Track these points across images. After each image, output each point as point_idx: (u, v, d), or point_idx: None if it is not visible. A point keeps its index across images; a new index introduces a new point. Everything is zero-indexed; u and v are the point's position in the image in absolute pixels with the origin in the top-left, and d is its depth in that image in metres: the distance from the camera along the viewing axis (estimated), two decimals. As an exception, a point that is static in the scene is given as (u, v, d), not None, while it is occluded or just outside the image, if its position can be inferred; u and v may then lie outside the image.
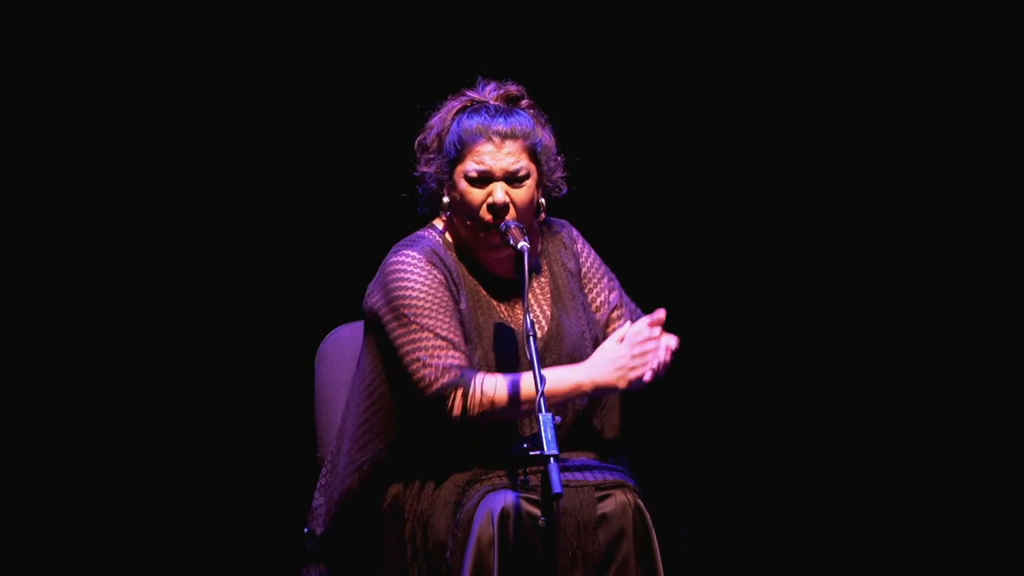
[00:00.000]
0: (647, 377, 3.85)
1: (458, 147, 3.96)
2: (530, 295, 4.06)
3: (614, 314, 4.12)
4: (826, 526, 5.61)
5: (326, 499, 4.05)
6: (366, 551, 3.95)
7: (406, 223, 4.13)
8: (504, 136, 3.95)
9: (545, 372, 3.82)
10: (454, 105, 4.02)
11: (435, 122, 4.03)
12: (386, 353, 3.94)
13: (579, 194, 4.10)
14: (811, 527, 5.61)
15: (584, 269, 4.16)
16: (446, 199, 4.01)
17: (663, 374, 3.88)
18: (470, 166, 3.96)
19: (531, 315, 3.89)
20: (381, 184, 5.08)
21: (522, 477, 3.84)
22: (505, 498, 3.78)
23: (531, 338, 3.70)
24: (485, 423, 3.85)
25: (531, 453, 3.62)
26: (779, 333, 5.63)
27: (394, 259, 3.98)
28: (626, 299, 4.17)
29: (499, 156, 3.95)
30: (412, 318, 3.88)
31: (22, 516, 5.29)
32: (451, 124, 3.99)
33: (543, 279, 4.11)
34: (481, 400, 3.82)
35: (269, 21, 5.38)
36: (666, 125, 5.58)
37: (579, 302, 4.09)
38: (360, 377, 4.03)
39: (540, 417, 3.59)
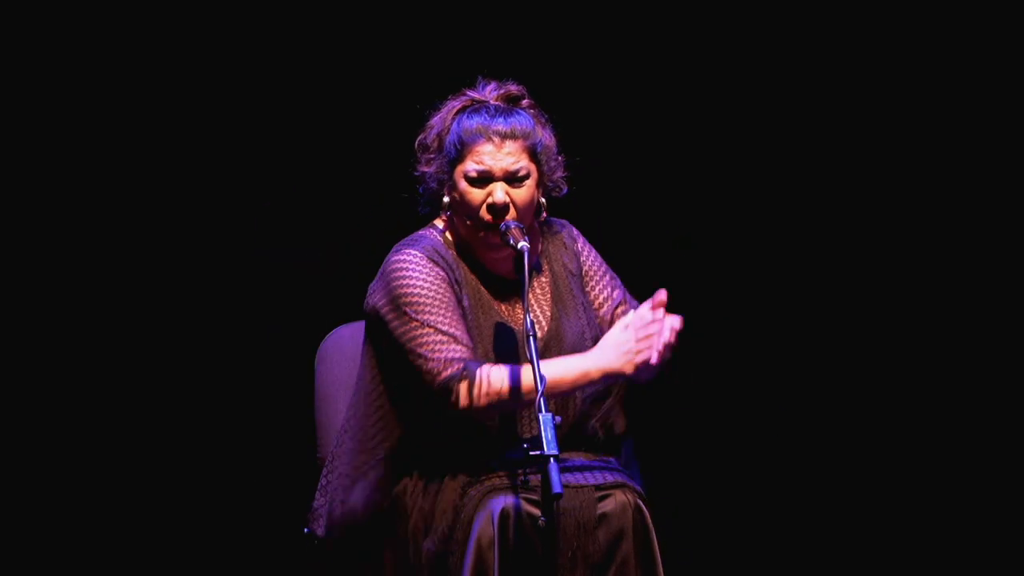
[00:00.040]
0: (653, 359, 3.83)
1: (458, 147, 3.96)
2: (530, 295, 4.06)
3: (618, 310, 4.12)
4: (826, 526, 5.61)
5: (328, 500, 4.04)
6: (368, 552, 3.95)
7: (406, 223, 4.13)
8: (504, 136, 3.95)
9: (552, 361, 3.83)
10: (454, 105, 4.02)
11: (435, 122, 4.03)
12: (389, 352, 3.93)
13: (579, 194, 4.10)
14: (811, 527, 5.61)
15: (585, 268, 4.16)
16: (446, 199, 4.01)
17: (669, 356, 3.87)
18: (470, 166, 3.96)
19: (531, 315, 3.89)
20: (381, 184, 5.08)
21: (522, 477, 3.84)
22: (505, 498, 3.78)
23: (531, 338, 3.70)
24: (491, 414, 3.84)
25: (531, 453, 3.62)
26: (779, 333, 5.63)
27: (395, 258, 3.98)
28: (628, 296, 4.17)
29: (499, 156, 3.95)
30: (415, 314, 3.88)
31: (22, 516, 5.29)
32: (451, 124, 3.99)
33: (543, 279, 4.11)
34: (487, 390, 3.81)
35: (269, 21, 5.38)
36: (666, 125, 5.58)
37: (579, 302, 4.09)
38: (362, 378, 4.03)
39: (540, 417, 3.59)
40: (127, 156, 5.33)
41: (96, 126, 5.30)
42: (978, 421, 5.60)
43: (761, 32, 5.57)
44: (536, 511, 3.73)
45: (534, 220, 4.05)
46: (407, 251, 3.97)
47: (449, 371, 3.83)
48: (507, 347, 3.97)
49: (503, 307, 4.03)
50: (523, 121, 3.97)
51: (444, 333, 3.86)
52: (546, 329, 4.04)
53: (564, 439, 3.94)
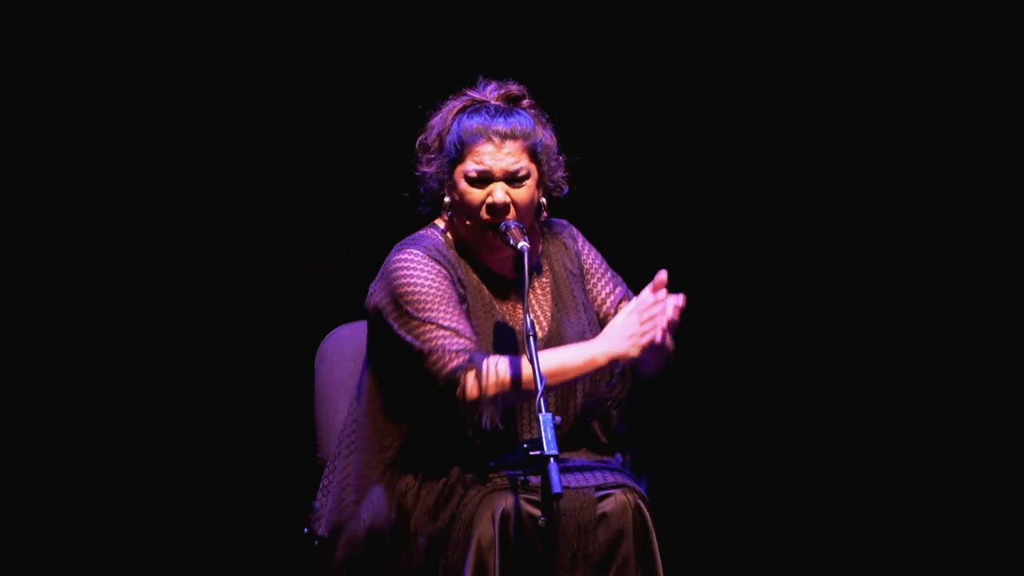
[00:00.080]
0: (658, 338, 3.83)
1: (458, 147, 3.96)
2: (531, 296, 4.06)
3: (620, 306, 4.12)
4: (826, 526, 5.61)
5: (332, 500, 4.03)
6: (371, 552, 3.94)
7: (406, 223, 4.13)
8: (504, 136, 3.95)
9: (557, 349, 3.84)
10: (455, 105, 4.02)
11: (436, 122, 4.03)
12: (392, 352, 3.92)
13: (579, 194, 4.09)
14: (811, 527, 5.61)
15: (586, 266, 4.16)
16: (447, 199, 4.01)
17: (673, 334, 3.86)
18: (470, 166, 3.95)
19: (531, 316, 3.89)
20: (381, 184, 5.09)
21: (522, 478, 3.83)
22: (506, 499, 3.78)
23: (531, 338, 3.70)
24: (498, 405, 3.82)
25: (531, 454, 3.61)
26: (779, 333, 5.63)
27: (397, 257, 3.97)
28: (630, 293, 4.16)
29: (499, 156, 3.94)
30: (417, 312, 3.87)
31: (22, 516, 5.29)
32: (452, 124, 3.99)
33: (544, 280, 4.11)
34: (494, 380, 3.79)
35: (269, 21, 5.38)
36: (667, 125, 5.58)
37: (580, 303, 4.09)
38: (365, 379, 4.03)
39: (540, 417, 3.59)
40: (127, 156, 5.33)
41: (96, 126, 5.30)
42: (978, 421, 5.60)
43: (761, 32, 5.57)
44: (537, 511, 3.73)
45: (534, 220, 4.04)
46: (408, 251, 3.97)
47: (455, 363, 3.81)
48: (508, 347, 3.96)
49: (504, 307, 4.03)
50: (523, 121, 3.97)
51: (447, 328, 3.85)
52: (547, 329, 4.04)
53: (565, 439, 3.94)
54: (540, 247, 4.12)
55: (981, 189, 5.58)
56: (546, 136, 4.00)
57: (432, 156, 4.02)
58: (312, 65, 5.41)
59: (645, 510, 3.85)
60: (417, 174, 4.06)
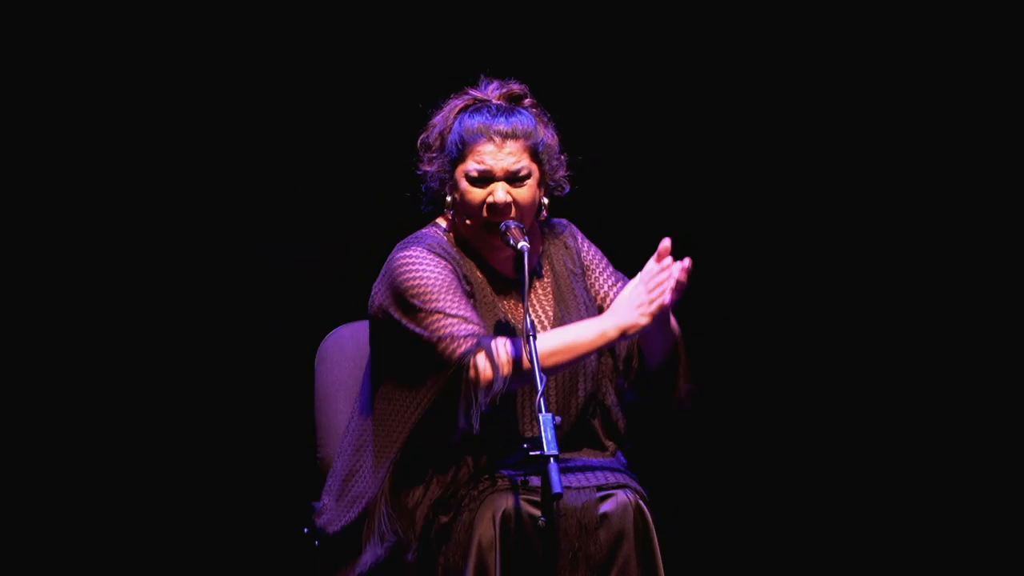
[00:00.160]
0: (667, 300, 3.83)
1: (459, 146, 3.96)
2: (532, 295, 4.06)
3: None
4: (826, 526, 5.61)
5: (336, 500, 4.02)
6: (373, 552, 3.94)
7: (407, 223, 4.13)
8: (505, 136, 3.94)
9: (567, 326, 3.85)
10: (456, 104, 4.02)
11: (438, 121, 4.03)
12: (397, 351, 3.91)
13: (580, 193, 4.09)
14: (811, 528, 5.61)
15: (586, 262, 4.15)
16: (448, 198, 4.01)
17: (680, 296, 3.85)
18: (471, 166, 3.95)
19: (533, 315, 3.88)
20: (381, 184, 5.09)
21: (522, 478, 3.83)
22: (506, 499, 3.78)
23: (531, 338, 3.70)
24: (511, 387, 3.81)
25: (531, 454, 3.61)
26: (780, 333, 5.63)
27: (399, 255, 3.96)
28: None
29: (500, 156, 3.94)
30: (423, 304, 3.86)
31: (22, 516, 5.29)
32: (453, 123, 3.98)
33: (545, 280, 4.11)
34: (505, 360, 3.78)
35: (269, 21, 5.38)
36: (667, 125, 5.57)
37: (581, 301, 4.09)
38: (369, 382, 4.02)
39: (540, 417, 3.58)
40: (127, 157, 5.33)
41: (96, 127, 5.30)
42: (978, 421, 5.60)
43: (761, 32, 5.57)
44: (537, 512, 3.73)
45: (535, 220, 4.04)
46: (411, 248, 3.97)
47: (464, 347, 3.80)
48: (510, 345, 3.96)
49: (506, 305, 4.02)
50: (525, 121, 3.97)
51: (455, 316, 3.84)
52: (548, 329, 4.03)
53: (566, 439, 3.94)
54: (541, 247, 4.12)
55: (981, 189, 5.58)
56: (547, 135, 4.00)
57: (433, 155, 4.02)
58: (312, 65, 5.40)
59: (646, 510, 3.85)
60: (418, 173, 4.06)
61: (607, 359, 4.10)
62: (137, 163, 5.34)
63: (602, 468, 3.95)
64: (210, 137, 5.37)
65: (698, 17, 5.56)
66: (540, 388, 3.61)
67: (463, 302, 3.88)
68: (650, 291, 3.83)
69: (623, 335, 3.85)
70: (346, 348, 4.38)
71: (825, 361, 5.63)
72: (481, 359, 3.79)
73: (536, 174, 3.98)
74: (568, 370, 4.00)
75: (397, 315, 3.89)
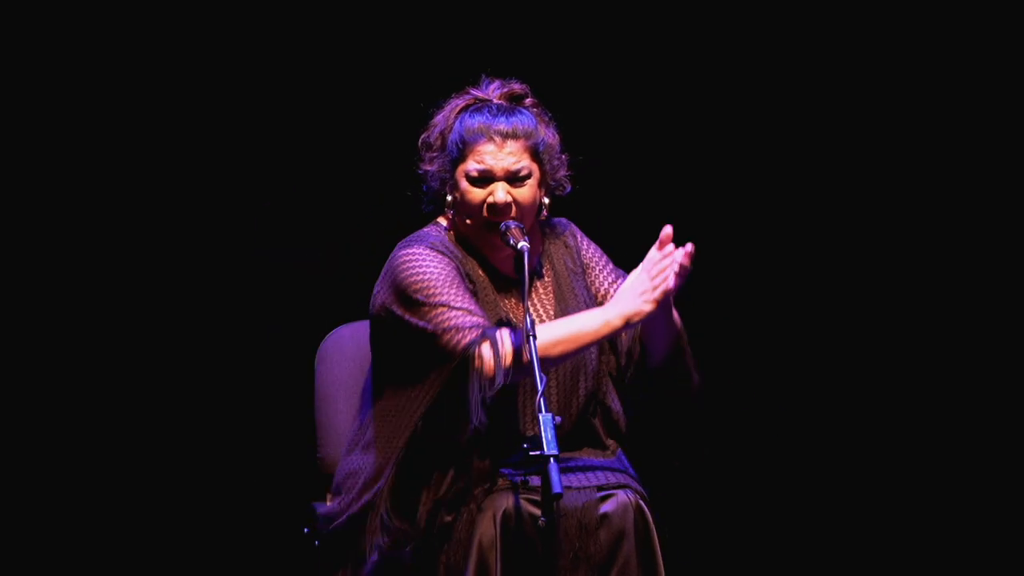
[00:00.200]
0: (671, 284, 3.83)
1: (460, 146, 3.96)
2: (533, 295, 4.06)
3: None
4: (826, 526, 5.61)
5: (339, 498, 4.02)
6: (374, 550, 3.93)
7: (407, 222, 4.13)
8: (505, 136, 3.94)
9: (571, 316, 3.85)
10: (458, 103, 4.02)
11: (439, 120, 4.03)
12: (400, 347, 3.90)
13: (580, 193, 4.09)
14: (811, 528, 5.61)
15: (586, 260, 4.15)
16: (448, 197, 4.01)
17: (684, 282, 3.85)
18: (471, 165, 3.95)
19: (534, 315, 3.88)
20: (381, 184, 5.09)
21: (523, 478, 3.83)
22: (507, 499, 3.78)
23: (531, 339, 3.69)
24: (515, 378, 3.80)
25: (531, 454, 3.60)
26: (780, 333, 5.63)
27: (401, 253, 3.96)
28: None
29: (500, 156, 3.94)
30: (426, 299, 3.85)
31: (22, 516, 5.29)
32: (454, 122, 3.98)
33: (546, 279, 4.11)
34: (510, 350, 3.77)
35: (269, 20, 5.38)
36: (668, 125, 5.57)
37: (582, 301, 4.09)
38: (371, 383, 4.02)
39: (540, 417, 3.58)
40: (127, 157, 5.33)
41: (96, 127, 5.30)
42: (978, 421, 5.60)
43: (762, 31, 5.57)
44: (538, 511, 3.73)
45: (536, 219, 4.04)
46: (413, 247, 3.96)
47: (469, 338, 3.79)
48: (510, 344, 3.95)
49: (508, 304, 4.02)
50: (525, 120, 3.96)
51: (459, 308, 3.83)
52: (550, 328, 4.03)
53: (567, 438, 3.94)
54: (541, 246, 4.11)
55: (981, 189, 5.58)
56: (548, 135, 3.99)
57: (434, 154, 4.02)
58: (312, 65, 5.40)
59: (647, 510, 3.85)
60: (419, 172, 4.06)
61: (609, 357, 4.10)
62: (137, 163, 5.33)
63: (603, 468, 3.95)
64: (210, 137, 5.37)
65: (698, 17, 5.56)
66: (540, 388, 3.61)
67: (466, 296, 3.87)
68: (653, 278, 3.83)
69: (627, 323, 3.84)
70: (346, 348, 4.38)
71: (825, 360, 5.62)
72: (486, 348, 3.78)
73: (536, 174, 3.98)
74: (569, 369, 4.00)
75: (400, 311, 3.88)
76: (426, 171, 4.04)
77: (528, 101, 4.03)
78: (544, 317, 4.05)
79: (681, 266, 3.83)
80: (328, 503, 4.16)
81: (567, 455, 3.93)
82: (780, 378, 5.60)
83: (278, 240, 5.43)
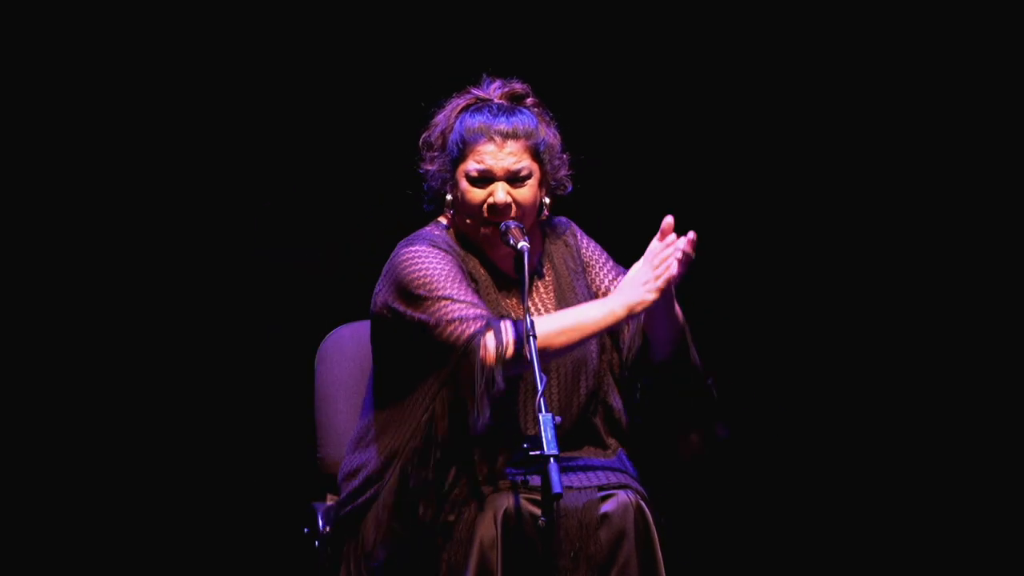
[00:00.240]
0: (674, 270, 3.83)
1: (460, 146, 3.96)
2: (534, 294, 4.06)
3: None
4: (826, 527, 5.61)
5: (341, 496, 4.01)
6: (375, 548, 3.93)
7: (407, 222, 4.13)
8: (506, 136, 3.94)
9: (574, 308, 3.85)
10: (459, 103, 4.01)
11: (440, 119, 4.02)
12: (403, 345, 3.90)
13: (581, 192, 4.09)
14: (812, 529, 5.61)
15: (586, 258, 4.15)
16: (449, 196, 4.01)
17: (687, 270, 3.86)
18: (471, 165, 3.95)
19: (534, 315, 3.88)
20: (381, 184, 5.09)
21: (523, 477, 3.83)
22: (508, 499, 3.78)
23: (531, 339, 3.69)
24: (519, 369, 3.78)
25: (531, 454, 3.60)
26: (780, 333, 5.63)
27: (403, 251, 3.96)
28: None
29: (500, 156, 3.94)
30: (428, 294, 3.84)
31: (22, 516, 5.29)
32: (455, 122, 3.98)
33: (547, 279, 4.10)
34: (513, 339, 3.76)
35: (269, 20, 5.38)
36: (669, 125, 5.57)
37: (583, 300, 4.07)
38: (374, 381, 4.01)
39: (540, 417, 3.58)
40: (127, 157, 5.33)
41: (96, 127, 5.30)
42: (978, 421, 5.60)
43: (762, 31, 5.57)
44: (538, 511, 3.72)
45: (536, 219, 4.04)
46: (414, 245, 3.96)
47: (473, 328, 3.78)
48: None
49: (509, 303, 4.02)
50: (526, 120, 3.96)
51: (462, 301, 3.83)
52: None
53: (568, 437, 3.94)
54: (542, 246, 4.11)
55: (981, 189, 5.58)
56: (549, 135, 3.99)
57: (435, 154, 4.02)
58: (313, 64, 5.40)
59: (647, 510, 3.85)
60: (420, 171, 4.05)
61: (611, 355, 4.10)
62: (137, 163, 5.33)
63: (603, 468, 3.94)
64: (210, 137, 5.37)
65: (699, 16, 5.56)
66: (540, 388, 3.61)
67: (469, 290, 3.87)
68: (655, 267, 3.84)
69: (631, 313, 3.85)
70: (346, 348, 4.38)
71: (825, 360, 5.62)
72: (490, 338, 3.77)
73: (537, 174, 3.98)
74: (571, 368, 4.00)
75: (402, 307, 3.87)
76: (427, 170, 4.04)
77: (529, 101, 4.03)
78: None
79: (684, 254, 3.83)
80: (328, 503, 4.16)
81: (568, 455, 3.93)
82: (780, 377, 5.60)
83: (278, 240, 5.43)
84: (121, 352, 5.34)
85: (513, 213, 3.94)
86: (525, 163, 3.95)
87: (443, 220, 4.08)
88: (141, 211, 5.35)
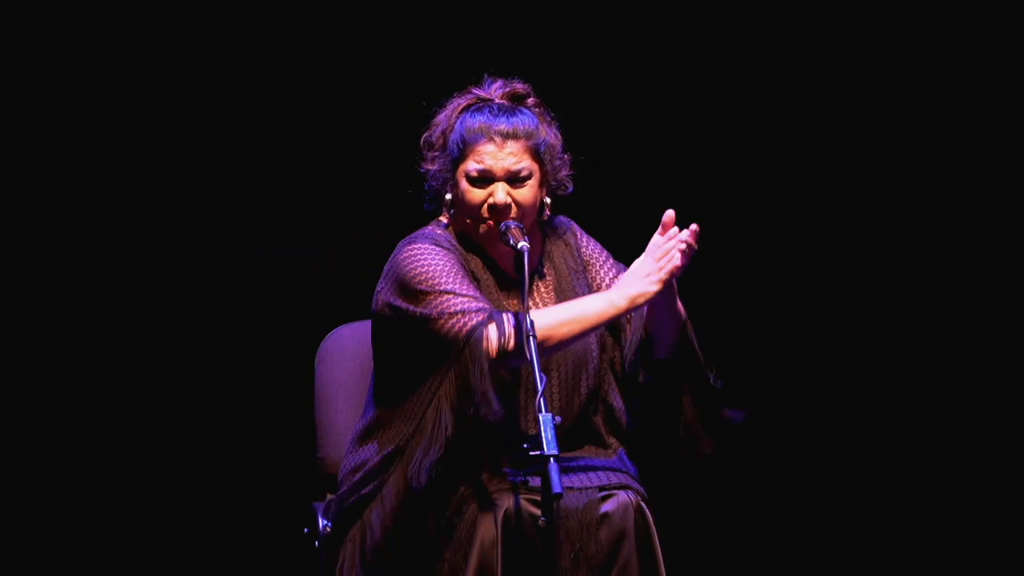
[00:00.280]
0: (678, 261, 3.84)
1: (460, 146, 3.96)
2: (534, 294, 4.06)
3: None
4: (827, 527, 5.61)
5: (342, 494, 4.01)
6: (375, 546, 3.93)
7: (407, 222, 4.13)
8: (506, 136, 3.94)
9: (576, 300, 3.86)
10: (460, 102, 4.01)
11: (440, 119, 4.02)
12: (405, 342, 3.89)
13: (581, 193, 4.09)
14: (812, 529, 5.61)
15: (586, 257, 4.14)
16: (448, 196, 4.01)
17: (689, 261, 3.86)
18: (471, 166, 3.95)
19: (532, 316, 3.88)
20: (381, 184, 5.09)
21: (523, 478, 3.83)
22: (508, 499, 3.77)
23: (531, 338, 3.69)
24: (522, 360, 3.78)
25: (531, 454, 3.60)
26: (781, 332, 5.63)
27: (404, 249, 3.96)
28: None
29: (500, 156, 3.94)
30: (431, 287, 3.84)
31: (23, 516, 5.29)
32: (455, 122, 3.98)
33: (547, 279, 4.10)
34: (516, 331, 3.77)
35: (269, 20, 5.38)
36: (669, 124, 5.57)
37: (583, 299, 4.08)
38: (375, 380, 4.01)
39: (540, 417, 3.58)
40: (127, 157, 5.33)
41: (96, 127, 5.30)
42: (978, 421, 5.60)
43: (763, 31, 5.57)
44: (538, 511, 3.72)
45: (536, 219, 4.04)
46: (415, 243, 3.96)
47: (475, 320, 3.78)
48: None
49: (510, 302, 4.02)
50: (526, 121, 3.96)
51: (464, 295, 3.83)
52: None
53: (569, 436, 3.94)
54: (543, 246, 4.11)
55: (981, 189, 5.58)
56: (550, 135, 3.99)
57: (436, 154, 4.02)
58: (313, 64, 5.40)
59: (647, 511, 3.85)
60: (421, 171, 4.05)
61: (612, 353, 4.09)
62: (137, 163, 5.33)
63: (604, 468, 3.94)
64: (210, 137, 5.37)
65: (698, 16, 5.56)
66: (540, 388, 3.61)
67: (470, 285, 3.88)
68: (658, 260, 3.85)
69: (633, 304, 3.85)
70: (346, 348, 4.38)
71: (825, 360, 5.62)
72: (491, 332, 3.78)
73: (537, 174, 3.97)
74: (571, 367, 4.00)
75: (404, 304, 3.87)
76: (427, 170, 4.04)
77: (530, 101, 4.03)
78: (546, 316, 4.05)
79: (687, 245, 3.83)
80: (325, 499, 4.15)
81: (568, 455, 3.93)
82: (779, 377, 5.60)
83: (278, 240, 5.43)
84: (121, 352, 5.34)
85: (513, 213, 3.94)
86: (525, 163, 3.95)
87: (444, 219, 4.07)
88: (141, 211, 5.35)
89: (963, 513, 5.59)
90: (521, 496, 3.77)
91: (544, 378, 3.64)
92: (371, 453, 3.95)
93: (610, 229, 4.30)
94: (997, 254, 5.59)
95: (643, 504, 3.85)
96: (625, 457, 4.06)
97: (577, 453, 4.00)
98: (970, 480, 5.59)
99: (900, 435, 5.62)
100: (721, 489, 5.59)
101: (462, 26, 5.42)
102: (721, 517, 5.58)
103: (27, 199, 5.27)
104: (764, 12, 5.56)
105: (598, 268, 4.14)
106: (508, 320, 3.78)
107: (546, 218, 4.07)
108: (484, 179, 3.95)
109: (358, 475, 3.95)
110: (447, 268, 3.88)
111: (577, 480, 3.87)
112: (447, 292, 3.83)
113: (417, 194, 4.09)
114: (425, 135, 4.05)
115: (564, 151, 4.03)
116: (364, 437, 3.99)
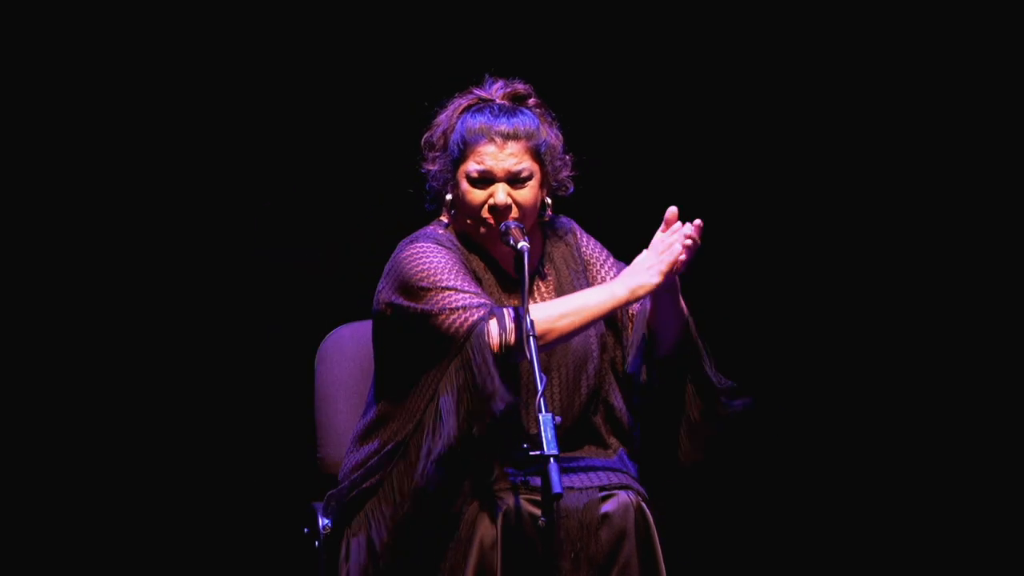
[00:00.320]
0: (682, 256, 3.84)
1: (461, 146, 3.96)
2: (535, 294, 4.06)
3: None
4: (827, 527, 5.61)
5: (342, 493, 4.01)
6: (375, 545, 3.93)
7: (407, 222, 4.13)
8: (506, 137, 3.94)
9: (578, 293, 3.86)
10: (460, 103, 4.01)
11: (441, 120, 4.02)
12: (406, 340, 3.89)
13: (582, 193, 4.09)
14: (812, 529, 5.61)
15: (587, 257, 4.14)
16: (449, 196, 4.00)
17: (693, 256, 3.86)
18: (472, 166, 3.95)
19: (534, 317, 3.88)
20: (381, 184, 5.09)
21: (523, 478, 3.83)
22: (508, 499, 3.77)
23: (531, 338, 3.69)
24: (523, 357, 3.78)
25: (531, 454, 3.60)
26: (782, 332, 5.63)
27: (405, 248, 3.96)
28: None
29: (501, 157, 3.94)
30: (433, 284, 3.84)
31: (23, 516, 5.29)
32: (456, 122, 3.98)
33: (548, 279, 4.10)
34: (516, 327, 3.76)
35: (270, 20, 5.37)
36: (669, 124, 5.57)
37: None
38: (376, 382, 4.01)
39: (540, 417, 3.58)
40: (127, 157, 5.33)
41: (97, 127, 5.30)
42: (978, 421, 5.60)
43: (763, 31, 5.57)
44: (538, 511, 3.72)
45: (537, 219, 4.04)
46: (417, 243, 3.96)
47: (477, 315, 3.78)
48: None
49: (510, 302, 4.01)
50: (527, 121, 3.96)
51: (466, 291, 3.83)
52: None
53: (569, 436, 3.93)
54: (543, 247, 4.11)
55: (981, 189, 5.58)
56: (551, 136, 3.99)
57: (436, 154, 4.02)
58: (313, 64, 5.40)
59: (648, 511, 3.85)
60: (422, 171, 4.05)
61: (612, 353, 4.09)
62: (137, 163, 5.33)
63: (604, 468, 3.94)
64: (210, 137, 5.37)
65: (698, 16, 5.56)
66: (540, 388, 3.61)
67: (471, 282, 3.88)
68: (660, 253, 3.85)
69: (633, 296, 3.85)
70: (346, 348, 4.38)
71: (826, 360, 5.62)
72: (493, 327, 3.78)
73: (538, 175, 3.97)
74: (572, 367, 4.00)
75: (405, 302, 3.86)
76: (428, 170, 4.04)
77: (531, 101, 4.02)
78: (546, 318, 4.04)
79: (691, 239, 3.83)
80: (326, 498, 4.15)
81: (568, 455, 3.93)
82: (779, 377, 5.60)
83: (278, 240, 5.43)
84: (122, 352, 5.34)
85: (513, 214, 3.93)
86: (526, 164, 3.95)
87: (444, 219, 4.07)
88: (141, 211, 5.35)
89: (963, 513, 5.59)
90: (521, 496, 3.77)
91: (544, 378, 3.65)
92: (372, 450, 3.94)
93: (610, 229, 4.30)
94: (997, 254, 5.59)
95: (643, 504, 3.85)
96: (625, 457, 4.06)
97: (577, 453, 4.00)
98: (970, 479, 5.59)
99: (900, 435, 5.62)
100: (721, 489, 5.58)
101: (463, 26, 5.42)
102: (721, 517, 5.58)
103: (27, 199, 5.27)
104: (764, 12, 5.56)
105: (599, 268, 4.13)
106: (509, 315, 3.78)
107: (547, 218, 4.07)
108: (485, 180, 3.94)
109: (359, 472, 3.95)
110: (448, 266, 3.88)
111: (577, 480, 3.87)
112: (448, 289, 3.83)
113: (418, 194, 4.09)
114: (426, 135, 4.05)
115: (565, 152, 4.03)
116: (365, 435, 3.99)
